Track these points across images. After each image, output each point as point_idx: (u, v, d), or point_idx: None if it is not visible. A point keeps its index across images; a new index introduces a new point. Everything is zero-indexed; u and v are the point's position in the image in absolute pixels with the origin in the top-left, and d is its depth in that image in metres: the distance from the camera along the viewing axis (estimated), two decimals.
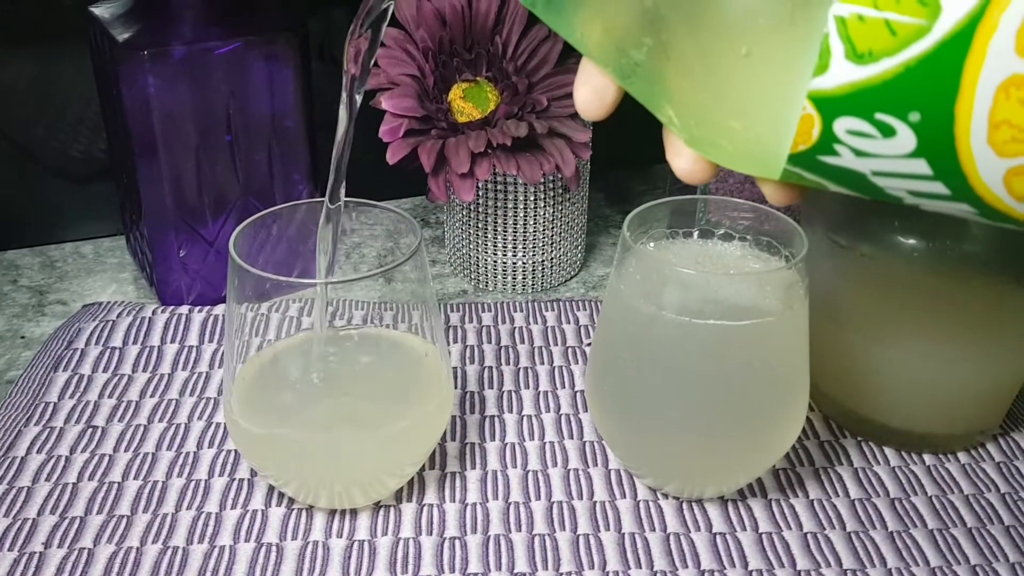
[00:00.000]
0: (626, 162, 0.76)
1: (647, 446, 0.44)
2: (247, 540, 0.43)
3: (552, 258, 0.62)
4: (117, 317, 0.57)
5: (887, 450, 0.49)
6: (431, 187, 0.54)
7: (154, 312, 0.58)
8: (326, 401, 0.44)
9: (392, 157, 0.53)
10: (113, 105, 0.55)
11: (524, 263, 0.62)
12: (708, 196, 0.48)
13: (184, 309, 0.58)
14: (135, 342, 0.56)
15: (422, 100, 0.54)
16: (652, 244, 0.46)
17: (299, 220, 0.44)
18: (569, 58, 0.55)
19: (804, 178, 0.32)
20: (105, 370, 0.54)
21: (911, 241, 0.44)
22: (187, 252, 0.58)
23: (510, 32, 0.55)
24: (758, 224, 0.45)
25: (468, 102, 0.55)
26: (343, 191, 0.41)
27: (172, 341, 0.56)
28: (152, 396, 0.52)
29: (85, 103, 0.64)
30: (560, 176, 0.59)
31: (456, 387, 0.53)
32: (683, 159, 0.35)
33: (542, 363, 0.55)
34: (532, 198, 0.59)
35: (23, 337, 0.58)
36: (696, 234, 0.47)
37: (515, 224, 0.60)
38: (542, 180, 0.55)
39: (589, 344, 0.56)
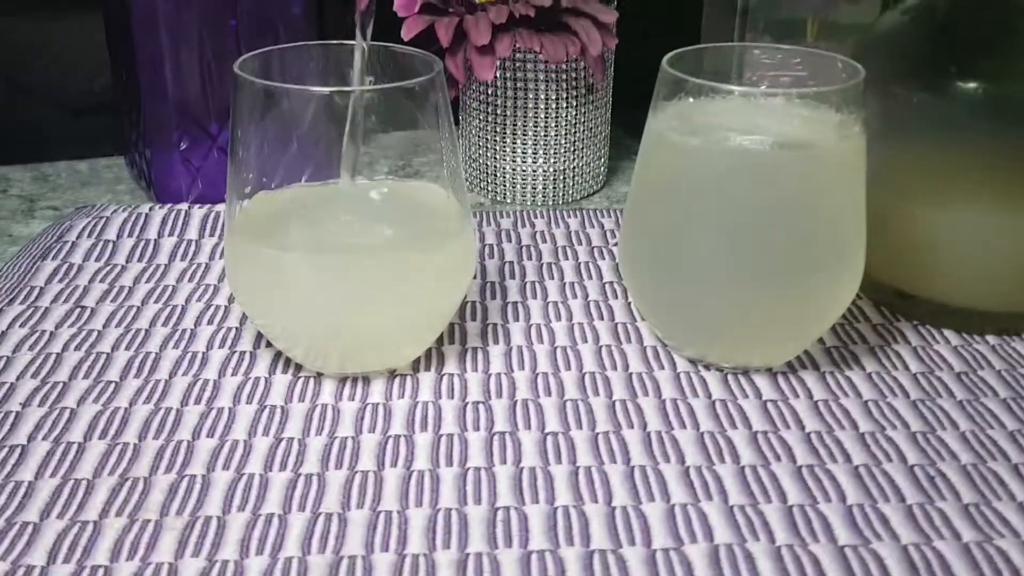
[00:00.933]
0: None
1: (689, 301, 0.40)
2: (248, 403, 0.39)
3: (575, 166, 0.59)
4: (112, 214, 0.54)
5: (946, 332, 0.45)
6: (448, 67, 0.50)
7: (151, 208, 0.54)
8: (334, 222, 0.40)
9: (407, 33, 0.49)
10: None
11: (545, 170, 0.58)
12: (752, 44, 0.45)
13: (183, 205, 0.54)
14: (130, 235, 0.52)
15: None
16: (691, 100, 0.42)
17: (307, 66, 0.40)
18: None
19: None
20: (97, 260, 0.50)
21: (971, 84, 0.40)
22: (188, 146, 0.54)
23: None
24: (808, 71, 0.41)
25: None
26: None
27: (170, 235, 0.52)
28: (147, 282, 0.48)
29: (86, 34, 0.61)
30: (583, 74, 0.56)
31: (475, 277, 0.49)
32: None
33: (566, 259, 0.51)
34: (554, 97, 0.56)
35: (10, 235, 0.54)
36: (736, 92, 0.43)
37: (536, 127, 0.57)
38: (565, 75, 0.52)
39: (616, 244, 0.53)
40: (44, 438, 0.36)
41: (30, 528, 0.32)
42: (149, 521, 0.32)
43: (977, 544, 0.32)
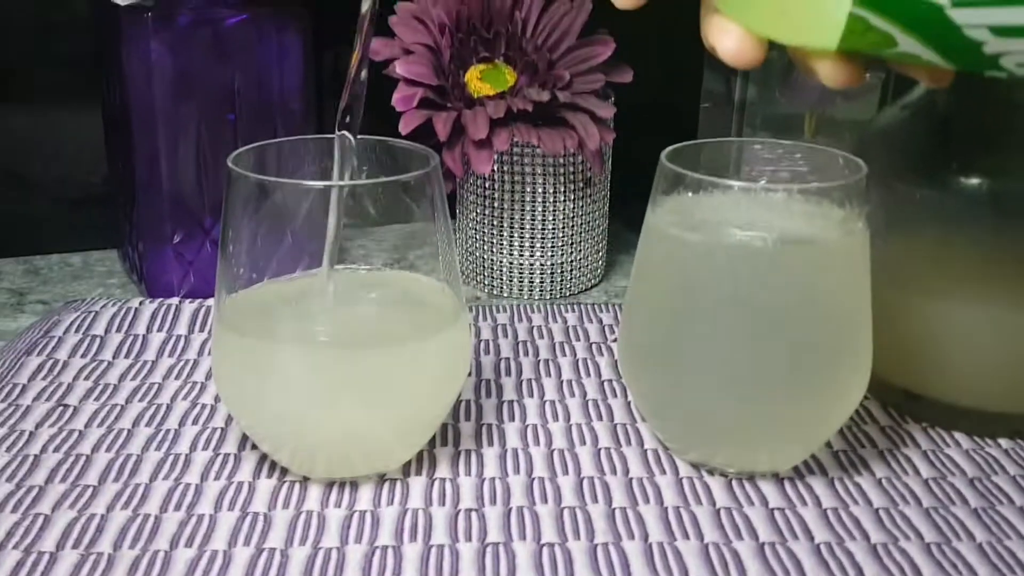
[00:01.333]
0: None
1: (690, 407, 0.39)
2: (230, 509, 0.37)
3: (572, 260, 0.58)
4: (101, 308, 0.53)
5: (957, 435, 0.43)
6: (445, 161, 0.50)
7: (141, 303, 0.53)
8: (325, 314, 0.38)
9: (405, 127, 0.49)
10: (114, 79, 0.52)
11: (543, 264, 0.57)
12: (752, 140, 0.44)
13: (174, 300, 0.53)
14: (118, 330, 0.51)
15: (436, 73, 0.51)
16: (690, 195, 0.42)
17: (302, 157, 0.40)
18: (593, 31, 0.53)
19: (870, 29, 0.28)
20: (83, 356, 0.48)
21: (974, 180, 0.40)
22: (181, 239, 0.53)
23: (530, 8, 0.52)
24: (807, 167, 0.41)
25: (486, 83, 0.52)
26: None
27: (159, 330, 0.51)
28: (132, 379, 0.47)
29: (89, 140, 0.61)
30: (580, 168, 0.55)
31: (470, 375, 0.48)
32: (729, 38, 0.31)
33: (564, 355, 0.50)
34: (552, 191, 0.55)
35: None
36: (736, 187, 0.42)
37: (533, 220, 0.56)
38: (562, 158, 0.51)
39: (615, 339, 0.51)
40: (15, 547, 0.35)
41: None
42: None
43: None
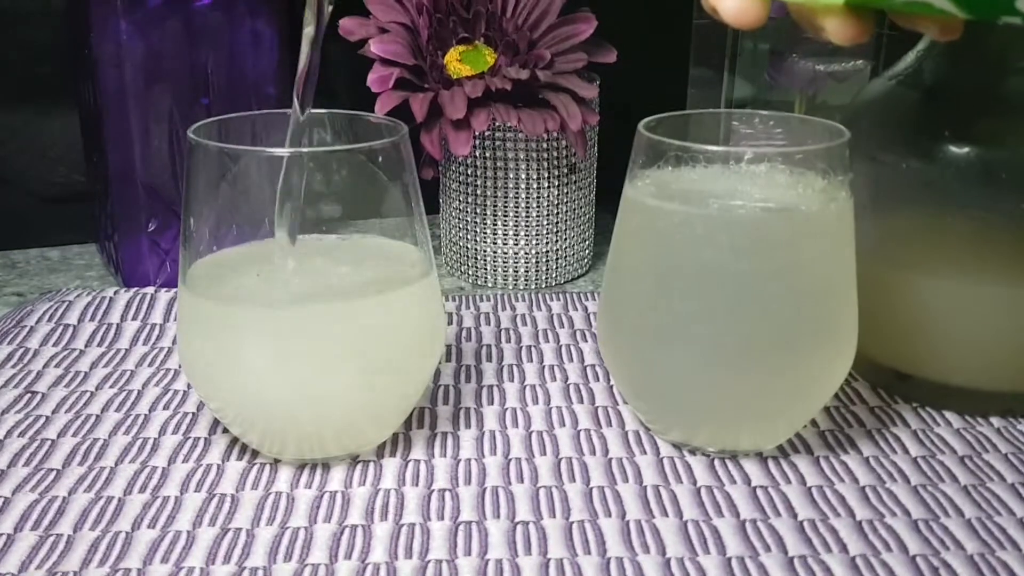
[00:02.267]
0: None
1: (671, 384, 0.38)
2: (196, 491, 0.36)
3: (558, 249, 0.57)
4: (75, 298, 0.52)
5: (948, 414, 0.42)
6: (423, 143, 0.49)
7: (116, 292, 0.52)
8: (297, 279, 0.37)
9: (381, 108, 0.48)
10: (85, 67, 0.51)
11: (527, 253, 0.56)
12: (733, 111, 0.43)
13: (149, 289, 0.52)
14: (92, 319, 0.50)
15: (414, 52, 0.50)
16: (670, 169, 0.41)
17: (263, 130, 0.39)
18: (574, 8, 0.52)
19: None
20: (55, 344, 0.47)
21: (963, 149, 0.39)
22: (157, 227, 0.52)
23: None
24: (790, 137, 0.40)
25: (465, 64, 0.51)
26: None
27: (134, 319, 0.50)
28: (104, 367, 0.46)
29: (67, 135, 0.61)
30: (564, 153, 0.54)
31: (450, 360, 0.47)
32: None
33: (547, 342, 0.49)
34: (535, 176, 0.54)
35: None
36: (716, 154, 0.41)
37: (516, 208, 0.55)
38: (544, 142, 0.50)
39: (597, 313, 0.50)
40: None
41: None
42: None
43: None
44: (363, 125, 0.39)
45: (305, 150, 0.36)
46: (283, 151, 0.35)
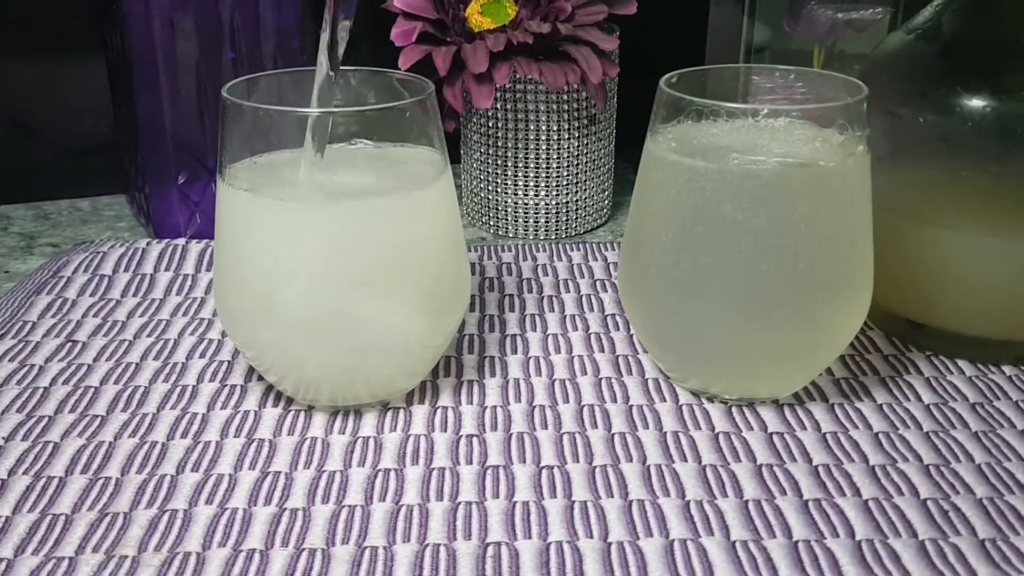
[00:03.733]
0: None
1: (692, 330, 0.39)
2: (236, 436, 0.38)
3: (577, 199, 0.58)
4: (109, 249, 0.53)
5: (960, 362, 0.43)
6: (446, 96, 0.50)
7: (148, 243, 0.54)
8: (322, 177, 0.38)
9: (404, 62, 0.49)
10: (113, 22, 0.52)
11: (547, 204, 0.57)
12: (753, 65, 0.44)
13: (180, 240, 0.54)
14: (126, 270, 0.51)
15: (436, 6, 0.50)
16: (690, 123, 0.41)
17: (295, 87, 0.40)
18: None
19: None
20: (92, 295, 0.49)
21: (980, 102, 0.39)
22: (186, 179, 0.54)
23: None
24: (810, 92, 0.40)
25: (487, 17, 0.52)
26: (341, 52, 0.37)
27: (166, 269, 0.51)
28: (140, 316, 0.47)
29: (95, 86, 0.61)
30: (585, 104, 0.55)
31: (474, 310, 0.48)
32: None
33: (568, 292, 0.50)
34: (556, 128, 0.55)
35: (7, 271, 0.53)
36: (738, 111, 0.42)
37: (537, 159, 0.56)
38: (565, 92, 0.51)
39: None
40: (25, 472, 0.35)
41: (3, 565, 0.31)
42: (126, 557, 0.31)
43: None
44: (390, 81, 0.40)
45: (335, 110, 0.37)
46: (313, 111, 0.36)
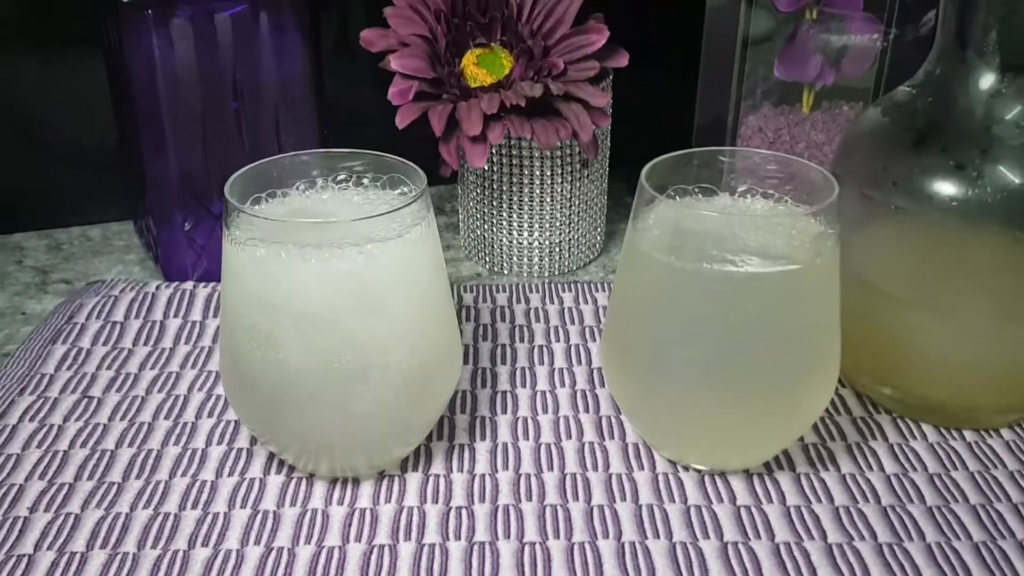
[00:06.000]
0: (648, 150, 0.74)
1: (667, 414, 0.42)
2: (243, 507, 0.41)
3: (570, 239, 0.60)
4: (120, 293, 0.56)
5: (925, 427, 0.46)
6: (442, 153, 0.52)
7: (158, 288, 0.56)
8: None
9: (401, 121, 0.51)
10: (119, 72, 0.54)
11: (541, 243, 0.59)
12: (734, 148, 0.46)
13: (188, 285, 0.56)
14: (137, 316, 0.54)
15: (433, 63, 0.52)
16: (674, 200, 0.43)
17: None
18: (587, 19, 0.53)
19: None
20: (105, 343, 0.52)
21: (948, 192, 0.41)
22: (192, 226, 0.56)
23: None
24: (785, 178, 0.42)
25: (482, 68, 0.53)
26: None
27: (175, 316, 0.54)
28: (152, 368, 0.50)
29: (96, 94, 0.63)
30: (578, 150, 0.57)
31: (468, 363, 0.50)
32: None
33: (558, 341, 0.53)
34: (549, 173, 0.57)
35: (23, 313, 0.56)
36: (720, 193, 0.44)
37: (531, 201, 0.58)
38: (559, 150, 0.53)
39: None
40: (49, 547, 0.38)
41: None
42: None
43: None
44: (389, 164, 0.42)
45: (336, 221, 0.39)
46: (319, 221, 0.38)
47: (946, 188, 0.41)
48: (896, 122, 0.44)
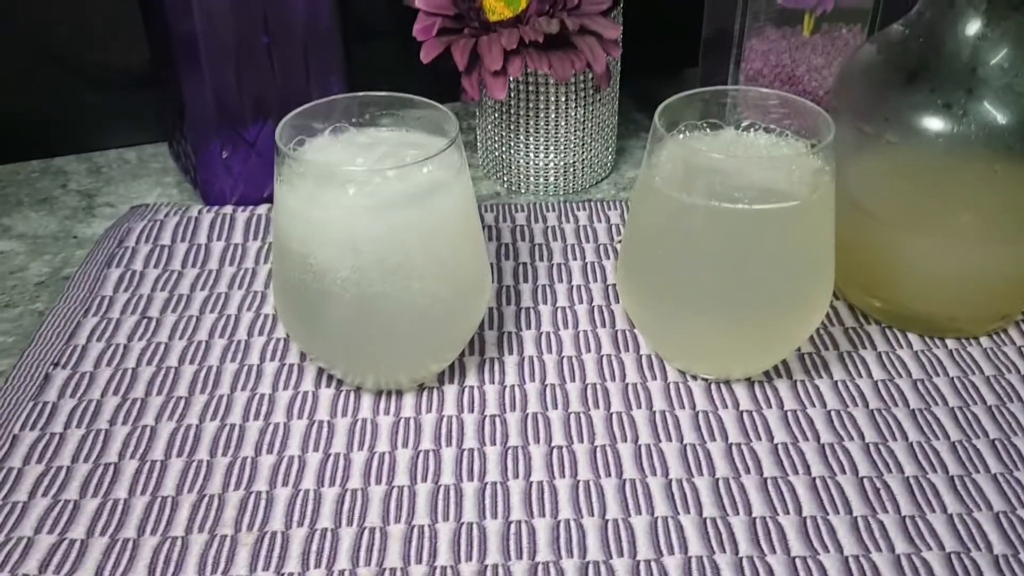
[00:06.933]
0: (656, 67, 0.76)
1: (677, 331, 0.46)
2: (299, 417, 0.46)
3: (583, 159, 0.64)
4: (164, 217, 0.60)
5: (910, 335, 0.51)
6: (464, 86, 0.55)
7: (199, 212, 0.60)
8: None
9: (426, 56, 0.54)
10: (154, 8, 0.56)
11: (556, 164, 0.63)
12: (739, 87, 0.49)
13: (228, 209, 0.60)
14: (183, 240, 0.58)
15: (455, 1, 0.54)
16: (683, 136, 0.47)
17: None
18: None
19: None
20: (156, 266, 0.56)
21: (935, 128, 0.45)
22: (229, 154, 0.59)
23: None
24: (787, 114, 0.46)
25: (500, 2, 0.56)
26: None
27: (218, 239, 0.58)
28: (202, 290, 0.54)
29: (126, 17, 0.65)
30: (591, 75, 0.60)
31: (493, 281, 0.55)
32: None
33: (575, 259, 0.57)
34: (563, 98, 0.60)
35: (75, 237, 0.60)
36: (726, 127, 0.48)
37: (547, 125, 0.61)
38: (573, 77, 0.56)
39: (620, 241, 0.58)
40: (131, 456, 0.43)
41: (131, 544, 0.39)
42: (226, 537, 0.40)
43: (907, 556, 0.39)
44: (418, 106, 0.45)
45: (371, 167, 0.42)
46: (356, 168, 0.42)
47: (934, 124, 0.44)
48: (889, 60, 0.47)
